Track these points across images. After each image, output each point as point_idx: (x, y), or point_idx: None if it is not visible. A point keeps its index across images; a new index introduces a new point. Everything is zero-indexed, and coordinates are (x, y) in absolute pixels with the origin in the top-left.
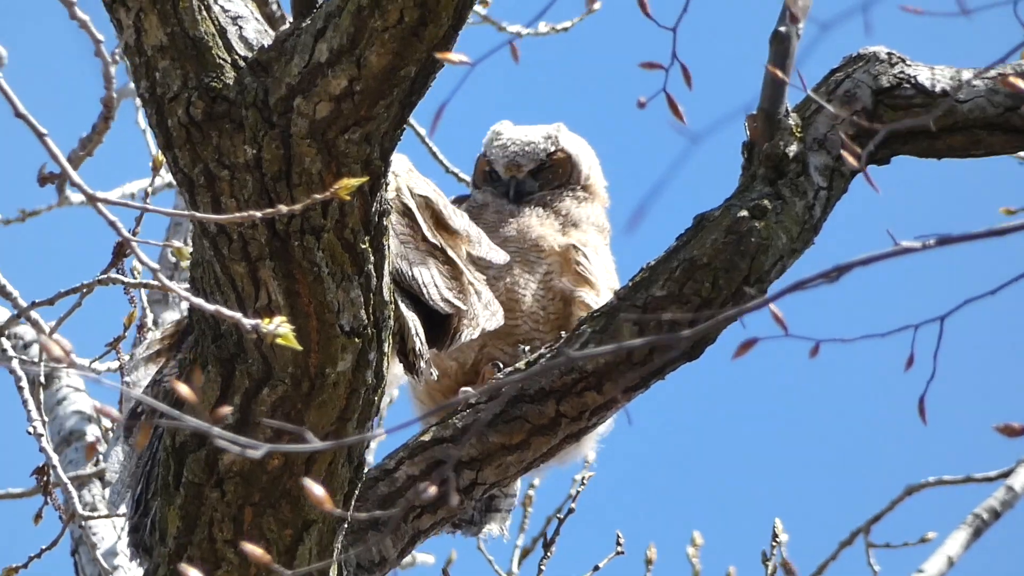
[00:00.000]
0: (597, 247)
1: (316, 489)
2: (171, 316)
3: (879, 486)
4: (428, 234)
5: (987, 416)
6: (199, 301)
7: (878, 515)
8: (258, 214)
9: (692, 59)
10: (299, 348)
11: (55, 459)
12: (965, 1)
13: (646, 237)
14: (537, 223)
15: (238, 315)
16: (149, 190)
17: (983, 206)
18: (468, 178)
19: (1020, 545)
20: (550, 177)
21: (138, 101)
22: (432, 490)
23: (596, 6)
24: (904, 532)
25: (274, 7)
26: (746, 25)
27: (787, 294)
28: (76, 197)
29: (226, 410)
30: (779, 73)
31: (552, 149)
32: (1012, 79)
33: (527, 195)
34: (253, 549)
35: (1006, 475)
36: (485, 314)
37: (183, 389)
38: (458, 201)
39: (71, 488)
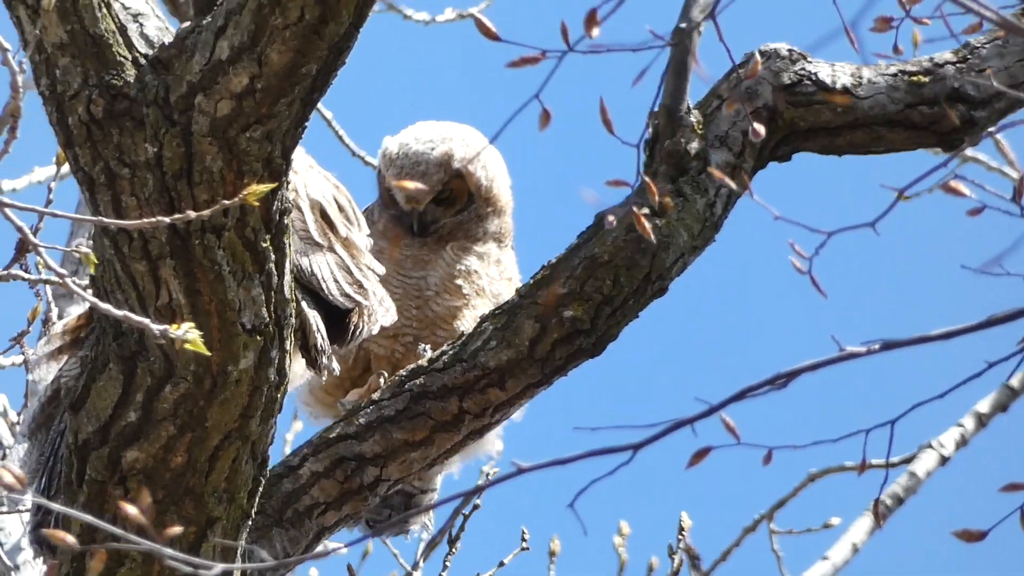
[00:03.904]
0: (489, 257)
1: None
2: (76, 310)
3: (782, 472)
4: (317, 236)
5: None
6: (107, 307)
7: (781, 501)
8: (166, 220)
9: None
10: (207, 352)
11: None
12: None
13: (549, 235)
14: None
15: (146, 321)
16: (53, 185)
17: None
18: (374, 162)
19: (924, 531)
20: (450, 202)
21: None
22: None
23: None
24: (807, 519)
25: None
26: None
27: (735, 401)
28: None
29: (176, 530)
30: (691, 64)
31: (447, 178)
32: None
33: (432, 224)
34: None
35: (908, 461)
36: (380, 310)
37: (132, 510)
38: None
39: None
